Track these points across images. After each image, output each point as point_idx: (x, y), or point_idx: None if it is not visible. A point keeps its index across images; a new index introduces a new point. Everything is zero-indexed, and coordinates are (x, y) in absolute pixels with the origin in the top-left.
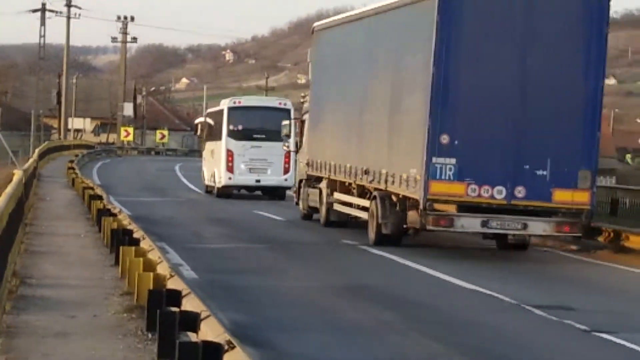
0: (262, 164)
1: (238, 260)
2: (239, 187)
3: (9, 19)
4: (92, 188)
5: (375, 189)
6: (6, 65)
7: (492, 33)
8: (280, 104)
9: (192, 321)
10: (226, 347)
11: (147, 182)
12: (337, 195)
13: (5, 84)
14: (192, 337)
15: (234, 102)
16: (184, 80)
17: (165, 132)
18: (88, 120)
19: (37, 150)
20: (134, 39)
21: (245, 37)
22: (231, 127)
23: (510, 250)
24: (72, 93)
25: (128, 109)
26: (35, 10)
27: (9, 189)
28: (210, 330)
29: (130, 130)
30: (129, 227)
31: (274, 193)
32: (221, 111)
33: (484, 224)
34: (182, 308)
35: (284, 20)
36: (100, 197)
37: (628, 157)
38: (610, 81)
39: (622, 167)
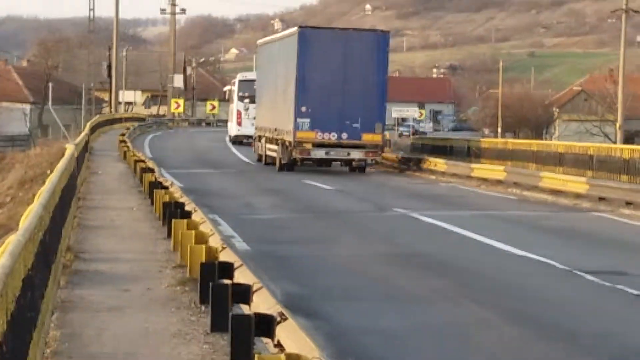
0: None
1: (289, 230)
2: (247, 137)
3: None
4: (143, 161)
5: (279, 139)
6: (56, 39)
7: (327, 54)
8: None
9: (244, 293)
10: (278, 319)
11: (198, 154)
12: (268, 145)
13: (56, 58)
14: (245, 309)
15: (243, 76)
16: (233, 50)
17: (216, 103)
18: (139, 92)
19: (88, 124)
20: (183, 10)
21: (294, 6)
22: (240, 94)
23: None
24: (123, 66)
25: (178, 81)
26: None
27: (61, 163)
28: (263, 302)
29: (181, 102)
30: (181, 200)
31: None
32: (234, 82)
33: (327, 153)
34: (235, 280)
35: None
36: (151, 170)
37: None
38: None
39: None
